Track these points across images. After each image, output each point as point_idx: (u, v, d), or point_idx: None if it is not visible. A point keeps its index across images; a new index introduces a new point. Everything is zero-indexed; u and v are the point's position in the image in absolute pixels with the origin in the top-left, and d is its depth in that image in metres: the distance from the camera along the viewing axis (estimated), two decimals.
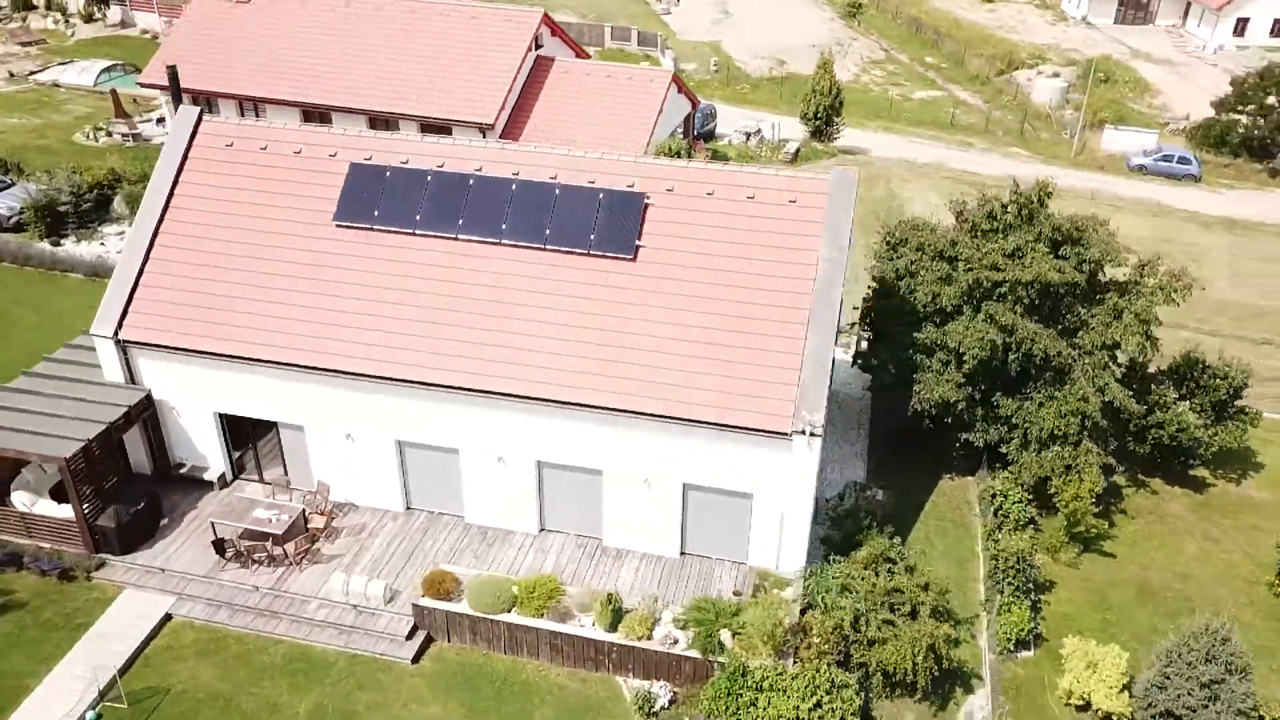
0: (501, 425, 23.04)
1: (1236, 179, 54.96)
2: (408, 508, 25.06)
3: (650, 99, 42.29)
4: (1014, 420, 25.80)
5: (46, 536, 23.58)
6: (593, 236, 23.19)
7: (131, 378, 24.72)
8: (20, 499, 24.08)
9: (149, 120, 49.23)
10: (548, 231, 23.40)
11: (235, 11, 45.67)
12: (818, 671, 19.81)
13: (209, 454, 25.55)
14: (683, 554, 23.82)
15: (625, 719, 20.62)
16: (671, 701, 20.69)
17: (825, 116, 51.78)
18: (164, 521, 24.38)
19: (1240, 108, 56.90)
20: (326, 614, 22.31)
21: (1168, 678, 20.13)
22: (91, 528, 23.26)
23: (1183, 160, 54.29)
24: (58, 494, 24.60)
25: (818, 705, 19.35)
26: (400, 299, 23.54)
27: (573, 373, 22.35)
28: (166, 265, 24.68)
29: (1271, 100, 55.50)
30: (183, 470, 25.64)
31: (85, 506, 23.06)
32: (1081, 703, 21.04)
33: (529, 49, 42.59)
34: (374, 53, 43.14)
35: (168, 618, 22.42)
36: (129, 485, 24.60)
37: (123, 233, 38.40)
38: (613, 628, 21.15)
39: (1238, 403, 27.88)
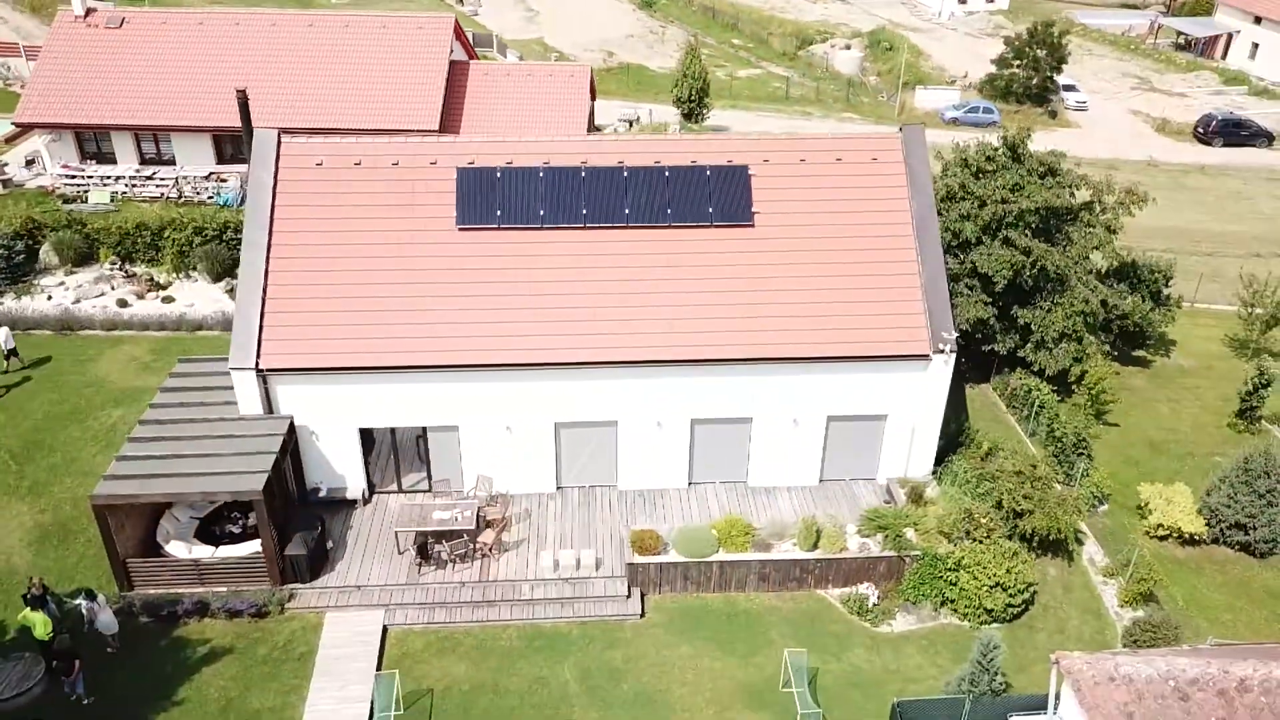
0: (660, 392, 24.99)
1: (1025, 123, 64.40)
2: (558, 488, 26.35)
3: (578, 92, 44.30)
4: (1031, 326, 30.84)
5: (226, 578, 22.94)
6: (711, 209, 25.59)
7: (270, 407, 24.31)
8: (177, 549, 23.22)
9: (7, 164, 44.88)
10: (669, 210, 25.52)
11: (104, 38, 42.89)
12: (996, 545, 23.65)
13: (348, 473, 25.52)
14: (821, 481, 26.84)
15: (846, 621, 23.51)
16: (880, 598, 23.80)
17: (697, 99, 55.67)
18: (329, 544, 24.29)
19: (1016, 62, 66.57)
20: (543, 592, 23.46)
21: (1233, 498, 25.69)
22: (282, 559, 22.94)
23: (986, 110, 63.06)
24: (202, 536, 23.98)
25: (1009, 571, 23.17)
26: (539, 290, 24.81)
27: (720, 333, 24.71)
28: (287, 289, 24.44)
29: (1041, 54, 65.40)
30: (320, 495, 25.47)
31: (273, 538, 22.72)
32: (1166, 532, 26.23)
33: (450, 52, 43.29)
34: (288, 70, 42.16)
35: (385, 629, 22.70)
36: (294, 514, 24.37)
37: (63, 283, 35.71)
38: (814, 547, 23.91)
39: (1164, 293, 34.56)
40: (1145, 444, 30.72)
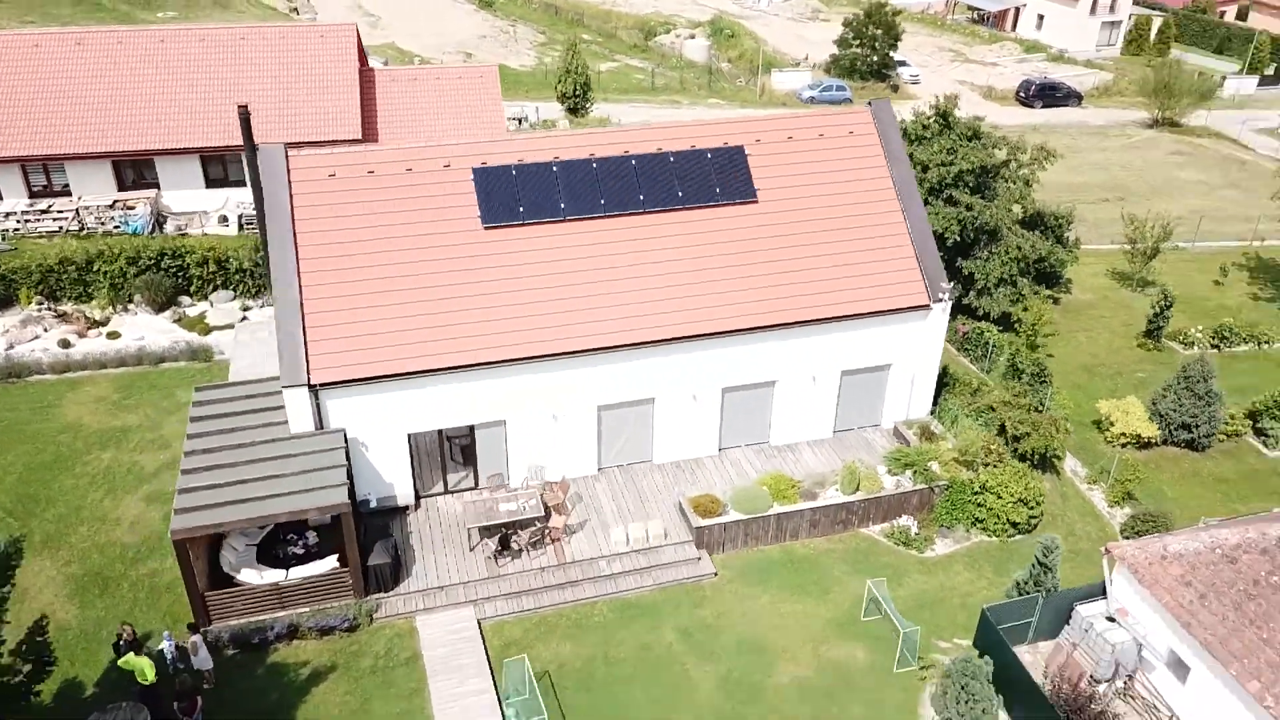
0: (694, 365, 26.37)
1: (875, 95, 69.32)
2: (600, 469, 27.27)
3: (489, 93, 44.52)
4: (974, 276, 34.17)
5: (308, 598, 22.63)
6: (718, 189, 27.16)
7: (320, 422, 24.01)
8: (250, 576, 22.71)
9: None
10: (680, 193, 26.89)
11: None
12: (1010, 465, 26.52)
13: (396, 481, 25.51)
14: (835, 432, 28.99)
15: (893, 552, 25.75)
16: (919, 528, 26.18)
17: (581, 93, 56.85)
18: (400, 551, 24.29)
19: (855, 42, 71.42)
20: (620, 565, 24.44)
21: (1178, 403, 29.70)
22: (366, 570, 22.85)
23: (840, 88, 67.42)
24: (262, 559, 23.58)
25: (1027, 487, 26.08)
26: (571, 279, 25.65)
27: (743, 303, 26.36)
28: (325, 303, 24.20)
29: (878, 33, 70.45)
30: (371, 506, 25.36)
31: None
32: (1127, 440, 29.98)
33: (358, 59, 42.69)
34: (189, 86, 40.36)
35: (479, 624, 23.07)
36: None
37: None
38: (856, 490, 26.02)
39: (1066, 236, 38.87)
40: (1080, 369, 34.70)
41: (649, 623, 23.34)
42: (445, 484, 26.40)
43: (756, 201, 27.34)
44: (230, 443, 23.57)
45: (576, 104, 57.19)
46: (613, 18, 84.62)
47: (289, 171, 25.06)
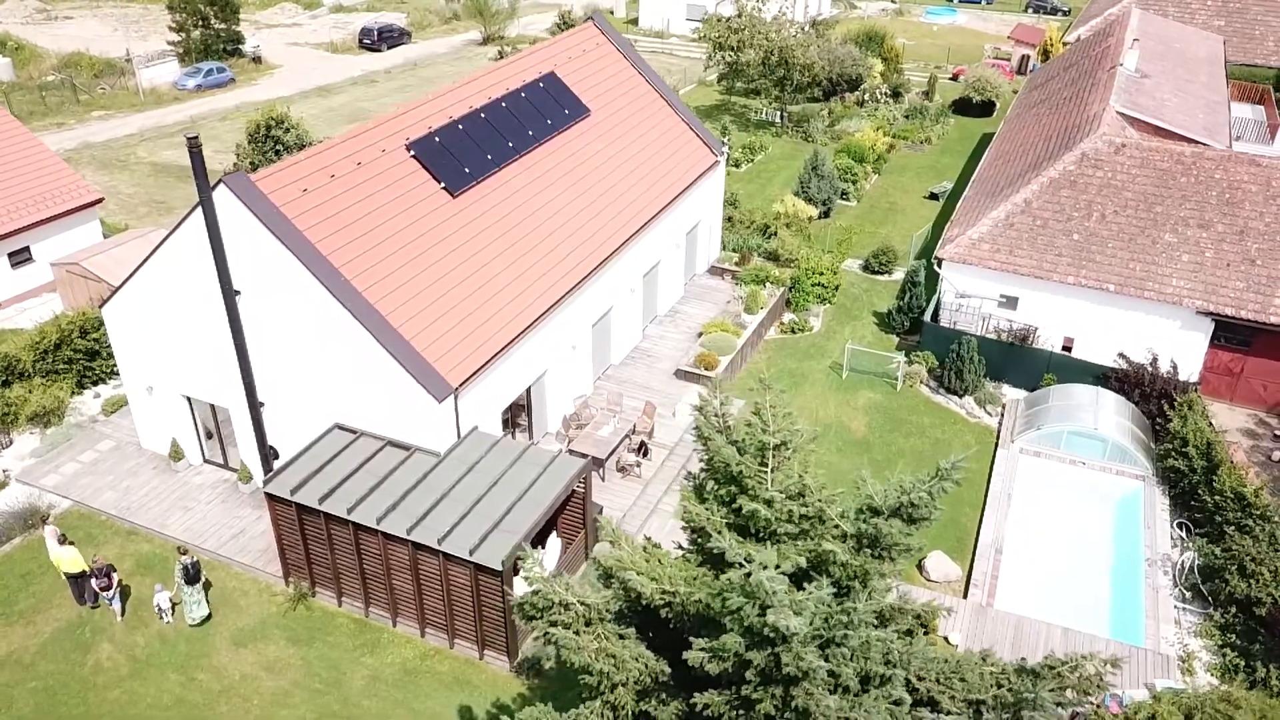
0: (629, 264, 29.52)
1: (243, 70, 67.58)
2: (594, 384, 29.08)
3: None
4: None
5: None
6: (566, 111, 29.84)
7: (458, 429, 22.29)
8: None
9: None
10: (548, 122, 29.01)
11: None
12: (806, 259, 35.39)
13: None
14: (684, 288, 34.40)
15: (801, 338, 33.09)
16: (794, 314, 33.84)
17: None
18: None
19: (191, 22, 67.85)
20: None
21: (818, 185, 41.39)
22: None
23: (220, 70, 64.43)
24: None
25: (830, 267, 35.33)
26: (543, 217, 26.95)
27: (636, 199, 30.05)
28: (400, 313, 22.04)
29: (211, 10, 67.88)
30: None
31: None
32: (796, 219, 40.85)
33: None
34: None
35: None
36: None
37: None
38: (760, 308, 32.51)
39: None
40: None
41: None
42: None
43: (591, 115, 30.70)
44: (409, 486, 20.89)
45: None
46: None
47: (263, 198, 21.35)
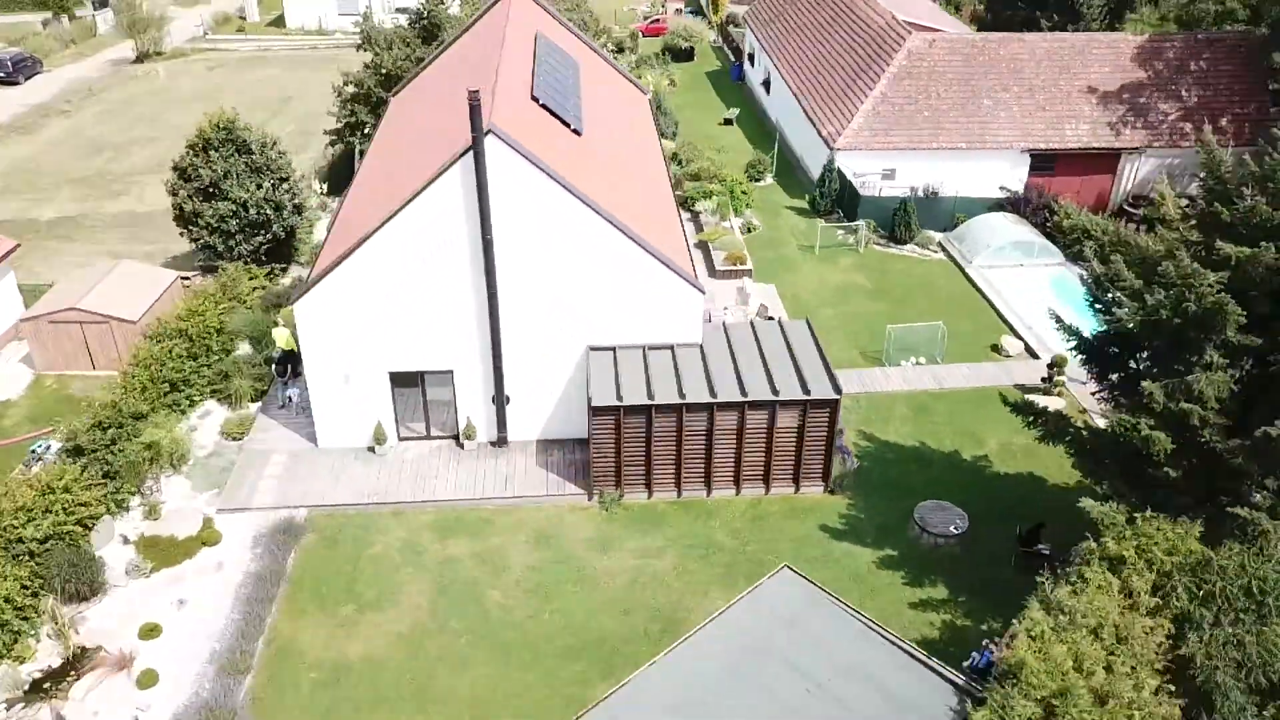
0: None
1: None
2: None
3: None
4: None
5: None
6: (571, 70, 32.69)
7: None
8: None
9: None
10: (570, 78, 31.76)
11: None
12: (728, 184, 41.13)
13: None
14: None
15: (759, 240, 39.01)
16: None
17: None
18: None
19: None
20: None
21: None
22: None
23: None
24: None
25: (742, 186, 41.40)
26: (621, 156, 29.92)
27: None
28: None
29: None
30: None
31: None
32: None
33: None
34: None
35: None
36: None
37: None
38: (735, 213, 37.85)
39: None
40: None
41: None
42: None
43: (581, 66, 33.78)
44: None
45: None
46: None
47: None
